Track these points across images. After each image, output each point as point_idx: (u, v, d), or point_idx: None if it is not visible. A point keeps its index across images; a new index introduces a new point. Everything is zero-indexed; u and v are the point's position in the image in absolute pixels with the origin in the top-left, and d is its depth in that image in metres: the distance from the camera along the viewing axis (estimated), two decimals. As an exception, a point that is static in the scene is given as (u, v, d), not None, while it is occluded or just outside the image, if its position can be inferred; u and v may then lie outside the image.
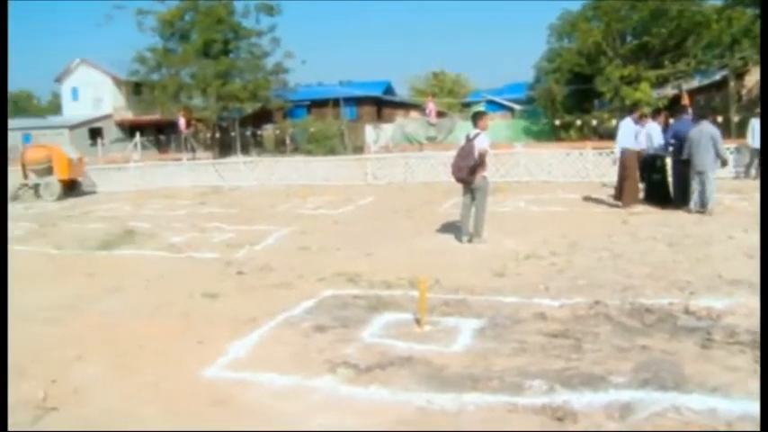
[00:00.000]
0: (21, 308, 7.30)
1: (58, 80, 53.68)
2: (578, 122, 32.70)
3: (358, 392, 4.57)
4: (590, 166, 18.74)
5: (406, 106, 54.01)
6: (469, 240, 9.92)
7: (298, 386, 4.72)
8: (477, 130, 9.77)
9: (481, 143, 9.63)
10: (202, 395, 4.67)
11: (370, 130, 37.13)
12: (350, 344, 5.51)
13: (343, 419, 4.22)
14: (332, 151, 33.66)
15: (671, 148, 12.60)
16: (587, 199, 14.51)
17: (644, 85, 30.79)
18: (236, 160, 26.39)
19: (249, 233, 11.79)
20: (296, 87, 44.77)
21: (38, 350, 5.82)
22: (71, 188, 22.25)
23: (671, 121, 14.21)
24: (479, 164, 9.66)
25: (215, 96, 39.57)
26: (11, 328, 6.58)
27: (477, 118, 10.16)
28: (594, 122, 32.28)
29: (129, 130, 46.80)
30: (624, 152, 12.82)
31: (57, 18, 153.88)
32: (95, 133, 46.97)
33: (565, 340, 5.35)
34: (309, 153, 33.06)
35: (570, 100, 35.08)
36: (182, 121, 36.66)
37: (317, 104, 46.65)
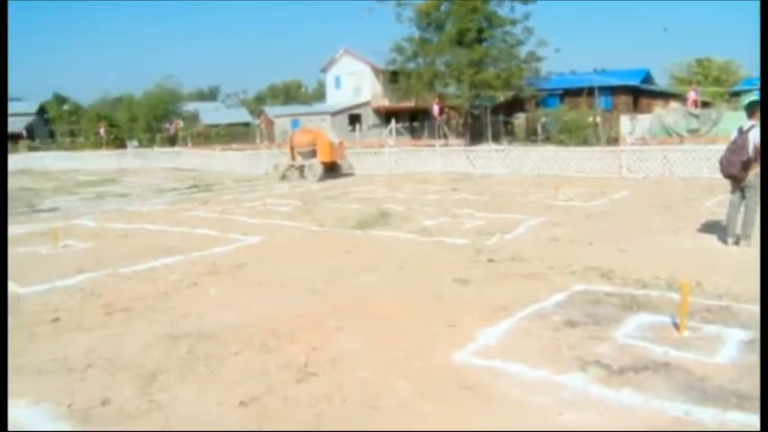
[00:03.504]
0: (288, 278, 8.02)
1: (324, 70, 57.64)
2: None
3: (609, 394, 4.43)
4: None
5: (665, 96, 50.71)
6: (736, 242, 9.15)
7: (546, 380, 4.66)
8: (753, 122, 8.93)
9: (757, 136, 8.79)
10: (452, 378, 4.78)
11: (625, 121, 35.44)
12: (602, 342, 5.34)
13: (590, 419, 4.10)
14: (585, 142, 32.61)
15: None
16: None
17: None
18: (488, 148, 26.60)
19: (500, 221, 11.84)
20: (549, 76, 43.87)
21: (303, 318, 6.31)
22: (332, 170, 23.84)
23: None
24: (754, 159, 8.83)
25: (468, 84, 40.00)
26: (281, 295, 7.25)
27: (752, 108, 9.26)
28: None
29: (386, 116, 48.94)
30: None
31: (325, 12, 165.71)
32: (354, 119, 50.07)
33: None
34: (561, 143, 32.33)
35: None
36: (436, 109, 37.65)
37: (571, 93, 45.37)
